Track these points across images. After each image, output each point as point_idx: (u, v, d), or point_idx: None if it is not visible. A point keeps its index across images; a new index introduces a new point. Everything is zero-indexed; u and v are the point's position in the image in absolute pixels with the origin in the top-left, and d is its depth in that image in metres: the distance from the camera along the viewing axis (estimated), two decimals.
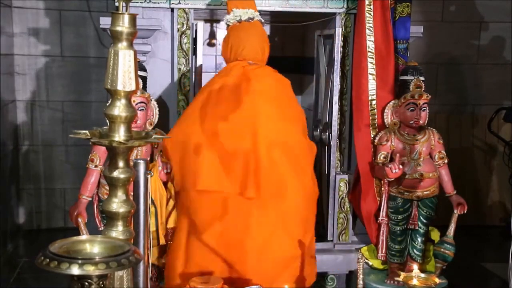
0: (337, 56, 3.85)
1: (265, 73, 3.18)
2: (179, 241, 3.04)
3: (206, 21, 4.56)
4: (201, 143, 2.98)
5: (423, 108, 3.54)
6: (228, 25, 3.36)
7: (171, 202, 3.26)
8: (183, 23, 3.70)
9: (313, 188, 3.16)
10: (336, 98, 3.87)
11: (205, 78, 4.08)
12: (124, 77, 1.58)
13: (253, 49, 3.23)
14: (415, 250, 3.62)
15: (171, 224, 3.26)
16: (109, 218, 1.67)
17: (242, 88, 3.05)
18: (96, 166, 3.25)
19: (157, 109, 3.42)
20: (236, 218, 2.95)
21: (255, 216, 2.95)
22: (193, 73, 3.75)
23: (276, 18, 4.39)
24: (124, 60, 1.58)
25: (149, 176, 1.98)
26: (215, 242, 2.95)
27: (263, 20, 3.39)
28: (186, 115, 3.17)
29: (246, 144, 2.96)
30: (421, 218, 3.59)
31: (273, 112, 3.07)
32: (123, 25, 1.58)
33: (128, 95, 1.61)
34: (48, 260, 1.38)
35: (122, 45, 1.59)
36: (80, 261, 1.36)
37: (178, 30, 3.70)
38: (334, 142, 3.90)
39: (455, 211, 3.63)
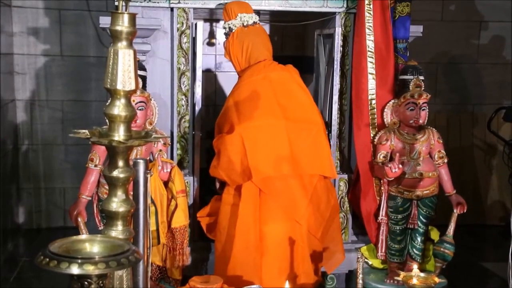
0: (337, 56, 3.85)
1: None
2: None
3: (205, 20, 4.55)
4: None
5: (423, 108, 3.54)
6: (231, 29, 3.42)
7: (173, 202, 3.26)
8: (182, 23, 3.70)
9: None
10: (335, 98, 3.88)
11: (204, 78, 4.08)
12: (124, 76, 1.58)
13: (268, 51, 3.52)
14: (414, 250, 3.62)
15: (174, 224, 3.26)
16: (109, 217, 1.67)
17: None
18: (95, 166, 3.26)
19: (157, 108, 3.43)
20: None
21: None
22: (193, 73, 3.75)
23: (275, 18, 4.39)
24: (123, 60, 1.58)
25: (148, 176, 1.97)
26: None
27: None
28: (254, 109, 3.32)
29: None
30: (421, 217, 3.59)
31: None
32: (123, 25, 1.58)
33: (128, 95, 1.61)
34: (47, 259, 1.38)
35: (122, 44, 1.59)
36: (79, 261, 1.36)
37: (177, 30, 3.70)
38: (333, 142, 3.90)
39: (455, 211, 3.63)
